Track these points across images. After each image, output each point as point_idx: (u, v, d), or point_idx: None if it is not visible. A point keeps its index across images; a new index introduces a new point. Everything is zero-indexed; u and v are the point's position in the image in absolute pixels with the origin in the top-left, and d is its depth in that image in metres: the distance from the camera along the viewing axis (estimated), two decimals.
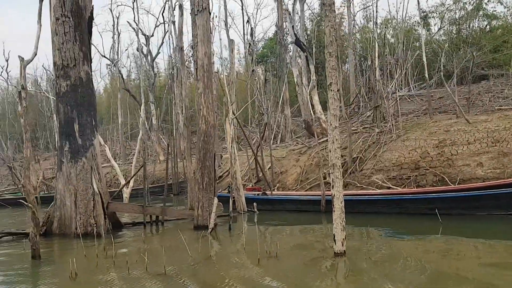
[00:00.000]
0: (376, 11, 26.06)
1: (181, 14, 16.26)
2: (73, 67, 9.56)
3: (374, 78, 17.46)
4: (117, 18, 35.53)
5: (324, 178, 11.72)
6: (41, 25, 9.33)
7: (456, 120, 12.94)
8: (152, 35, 29.78)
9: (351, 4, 26.75)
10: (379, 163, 12.51)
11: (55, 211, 9.41)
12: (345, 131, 14.83)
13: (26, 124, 7.52)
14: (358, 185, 12.30)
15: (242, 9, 29.92)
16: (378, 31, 22.06)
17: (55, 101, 10.31)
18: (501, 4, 24.10)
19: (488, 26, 24.88)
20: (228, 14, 30.16)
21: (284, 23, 22.71)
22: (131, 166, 18.27)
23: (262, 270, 5.52)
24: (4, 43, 62.42)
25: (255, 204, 11.42)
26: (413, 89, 21.51)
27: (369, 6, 28.19)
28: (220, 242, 8.02)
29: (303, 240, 7.83)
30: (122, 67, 36.78)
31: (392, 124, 13.97)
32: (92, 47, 11.46)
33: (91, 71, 10.15)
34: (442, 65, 17.05)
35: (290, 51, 23.27)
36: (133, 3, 29.78)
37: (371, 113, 17.20)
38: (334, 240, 5.68)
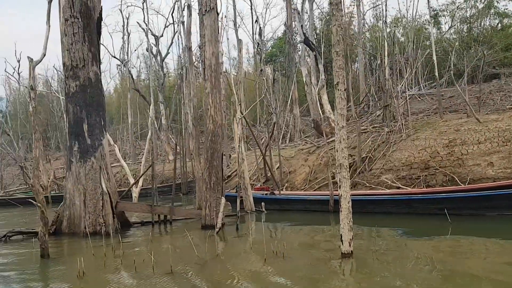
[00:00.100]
0: (386, 10, 25.87)
1: (190, 14, 16.30)
2: (82, 67, 9.63)
3: (383, 77, 17.34)
4: (127, 18, 35.71)
5: (333, 177, 11.66)
6: (49, 26, 9.39)
7: (467, 120, 12.80)
8: (162, 36, 29.93)
9: (361, 3, 26.62)
10: (388, 163, 12.42)
11: (65, 210, 9.49)
12: (355, 131, 14.74)
13: (35, 124, 7.59)
14: (367, 185, 12.22)
15: (251, 8, 29.94)
16: (388, 29, 21.90)
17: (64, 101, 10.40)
18: None
19: (499, 24, 24.60)
20: (237, 14, 30.23)
21: (293, 23, 22.66)
22: (141, 165, 18.37)
23: (269, 269, 5.51)
24: (16, 43, 61.96)
25: (263, 203, 11.41)
26: (423, 88, 21.32)
27: (378, 4, 28.03)
28: (227, 241, 8.01)
29: (311, 240, 7.80)
30: (132, 68, 37.09)
31: (402, 124, 13.85)
32: (102, 47, 11.64)
33: (100, 72, 10.21)
34: (452, 64, 16.87)
35: (299, 51, 23.25)
36: (142, 3, 30.00)
37: (381, 112, 17.08)
38: (341, 241, 5.64)
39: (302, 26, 19.28)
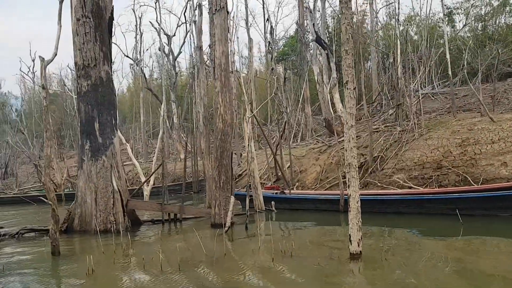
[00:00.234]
0: (399, 8, 25.66)
1: (200, 14, 16.33)
2: (93, 67, 9.71)
3: (396, 75, 17.19)
4: (140, 18, 35.94)
5: (344, 177, 11.54)
6: (61, 26, 9.49)
7: (480, 119, 12.62)
8: (174, 35, 30.16)
9: (374, 1, 26.43)
10: (400, 162, 12.29)
11: (76, 208, 9.58)
12: (367, 130, 14.63)
13: (47, 123, 7.66)
14: (379, 184, 12.11)
15: (263, 7, 29.89)
16: (401, 28, 21.70)
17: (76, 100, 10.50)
18: None
19: None
20: (249, 12, 30.23)
21: (305, 21, 22.59)
22: (152, 164, 18.47)
23: (276, 268, 5.49)
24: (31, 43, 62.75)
25: (273, 202, 11.39)
26: (437, 87, 21.09)
27: (391, 3, 27.76)
28: (236, 240, 8.01)
29: (320, 239, 7.77)
30: (145, 67, 37.31)
31: (415, 123, 13.70)
32: (115, 47, 11.69)
33: (111, 71, 10.30)
34: (466, 63, 16.63)
35: (311, 49, 23.14)
36: (155, 3, 30.20)
37: (394, 111, 16.94)
38: (350, 241, 5.60)
39: (314, 24, 19.17)
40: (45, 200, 7.34)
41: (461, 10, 26.17)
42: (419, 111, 15.10)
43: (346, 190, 9.23)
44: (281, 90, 21.19)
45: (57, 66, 49.72)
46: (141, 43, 33.12)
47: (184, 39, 32.31)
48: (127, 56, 32.24)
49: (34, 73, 35.75)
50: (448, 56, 16.28)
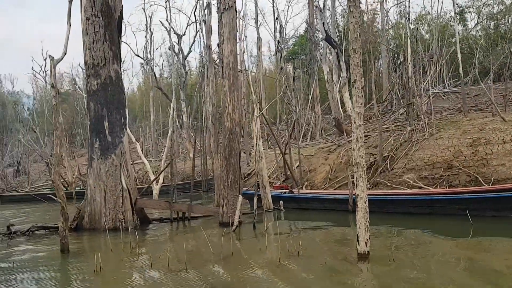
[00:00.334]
0: (410, 7, 25.42)
1: (210, 13, 16.34)
2: (103, 66, 9.78)
3: (407, 75, 17.05)
4: (150, 17, 36.23)
5: (353, 176, 11.51)
6: (70, 25, 9.56)
7: (492, 119, 12.46)
8: (184, 34, 30.12)
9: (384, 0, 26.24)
10: (410, 162, 12.19)
11: (86, 206, 9.66)
12: (377, 129, 14.53)
13: (56, 121, 7.72)
14: (389, 184, 12.02)
15: (273, 6, 29.84)
16: (412, 27, 21.51)
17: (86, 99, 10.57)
18: None
19: None
20: (259, 11, 30.18)
21: (315, 20, 22.48)
22: (162, 162, 18.54)
23: (283, 267, 5.48)
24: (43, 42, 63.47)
25: (281, 202, 11.36)
26: (448, 86, 20.89)
27: (402, 1, 27.54)
28: (243, 239, 8.01)
29: (328, 239, 7.73)
30: (155, 66, 37.46)
31: (425, 122, 13.57)
32: (126, 46, 11.72)
33: (120, 70, 10.35)
34: (478, 62, 16.44)
35: (321, 48, 23.03)
36: (165, 2, 30.22)
37: (404, 111, 16.80)
38: (358, 241, 5.57)
39: (324, 23, 19.07)
40: (55, 198, 7.40)
41: (473, 8, 25.94)
42: (429, 111, 14.95)
43: (354, 189, 9.22)
44: (290, 89, 21.13)
45: (69, 65, 50.13)
46: (151, 42, 33.24)
47: (194, 38, 32.27)
48: (138, 55, 32.47)
49: (45, 72, 36.11)
50: (459, 55, 16.10)
